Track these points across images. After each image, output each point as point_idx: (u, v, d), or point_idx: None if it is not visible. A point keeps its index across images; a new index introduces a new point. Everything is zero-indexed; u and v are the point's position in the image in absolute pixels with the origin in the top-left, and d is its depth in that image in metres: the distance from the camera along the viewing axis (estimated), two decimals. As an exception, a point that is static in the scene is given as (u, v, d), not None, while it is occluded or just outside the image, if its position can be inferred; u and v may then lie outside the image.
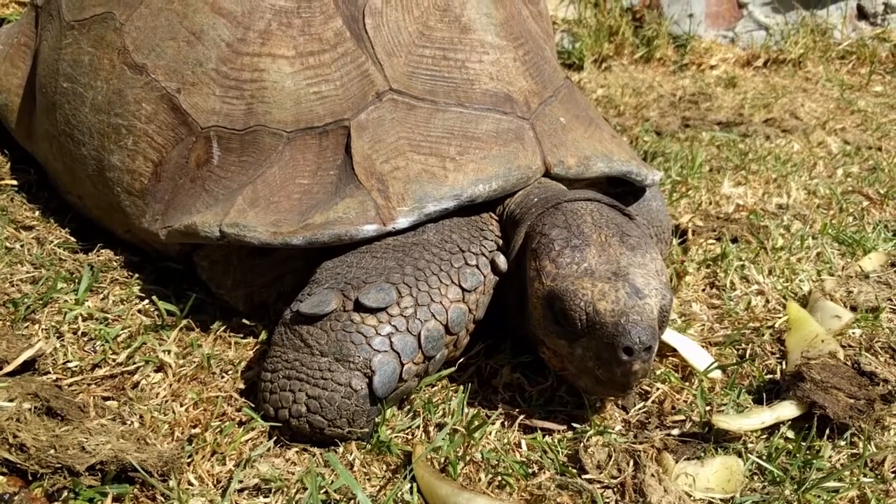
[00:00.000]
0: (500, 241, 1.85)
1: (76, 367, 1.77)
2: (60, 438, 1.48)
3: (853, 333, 2.02)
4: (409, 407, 1.73)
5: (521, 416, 1.70)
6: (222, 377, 1.80)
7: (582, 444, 1.59)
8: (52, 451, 1.44)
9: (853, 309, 2.14)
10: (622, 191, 2.25)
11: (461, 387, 1.75)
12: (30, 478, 1.44)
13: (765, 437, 1.66)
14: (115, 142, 2.03)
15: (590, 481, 1.51)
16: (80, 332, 1.88)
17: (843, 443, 1.64)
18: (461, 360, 1.86)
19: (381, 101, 1.86)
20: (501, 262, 1.78)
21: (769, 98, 4.67)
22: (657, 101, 4.56)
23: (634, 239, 1.67)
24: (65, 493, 1.42)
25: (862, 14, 5.71)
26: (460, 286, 1.72)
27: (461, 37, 1.95)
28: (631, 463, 1.54)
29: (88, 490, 1.42)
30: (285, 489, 1.48)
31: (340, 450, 1.59)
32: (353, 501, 1.44)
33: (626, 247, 1.65)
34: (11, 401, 1.55)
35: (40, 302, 1.94)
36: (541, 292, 1.64)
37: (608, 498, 1.49)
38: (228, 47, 1.91)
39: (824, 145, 3.87)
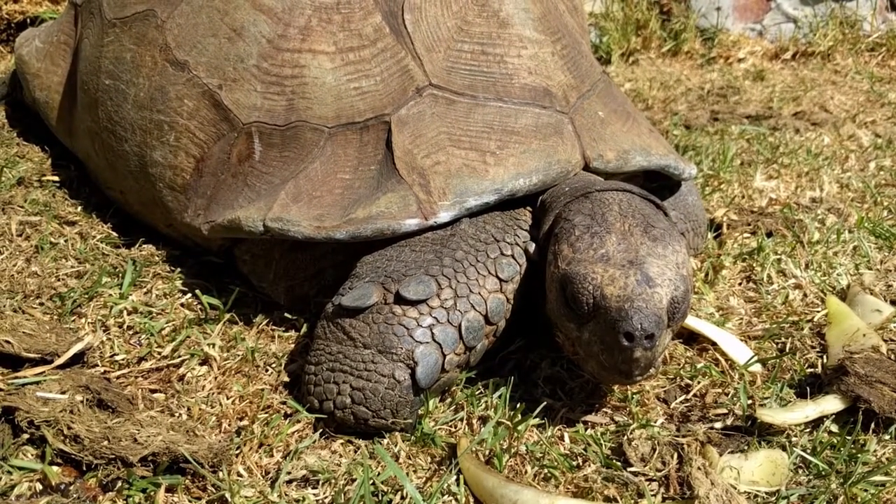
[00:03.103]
0: (533, 231, 1.86)
1: (123, 360, 1.80)
2: (113, 430, 1.51)
3: (895, 327, 2.00)
4: (451, 400, 1.74)
5: (564, 410, 1.71)
6: (266, 370, 1.82)
7: (625, 438, 1.60)
8: (105, 443, 1.48)
9: (893, 303, 2.12)
10: (658, 185, 2.25)
11: (503, 380, 1.76)
12: (84, 468, 1.47)
13: (808, 430, 1.66)
14: (157, 138, 2.05)
15: (635, 474, 1.52)
16: (125, 326, 1.91)
17: (888, 437, 1.63)
18: (501, 354, 1.87)
19: (421, 96, 1.87)
20: (531, 249, 1.79)
21: (798, 91, 4.63)
22: (685, 94, 4.53)
23: (658, 230, 1.67)
24: (118, 484, 1.45)
25: (892, 6, 5.64)
26: (497, 277, 1.74)
27: (499, 31, 1.96)
28: (675, 456, 1.54)
29: (141, 480, 1.44)
30: (333, 480, 1.50)
31: (385, 441, 1.61)
32: (400, 493, 1.46)
33: (649, 237, 1.64)
34: (64, 393, 1.58)
35: (86, 296, 1.98)
36: (556, 275, 1.65)
37: (653, 490, 1.50)
38: (269, 43, 1.93)
39: (855, 138, 3.83)
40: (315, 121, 1.89)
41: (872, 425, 1.64)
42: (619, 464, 1.55)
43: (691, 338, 1.99)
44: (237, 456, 1.54)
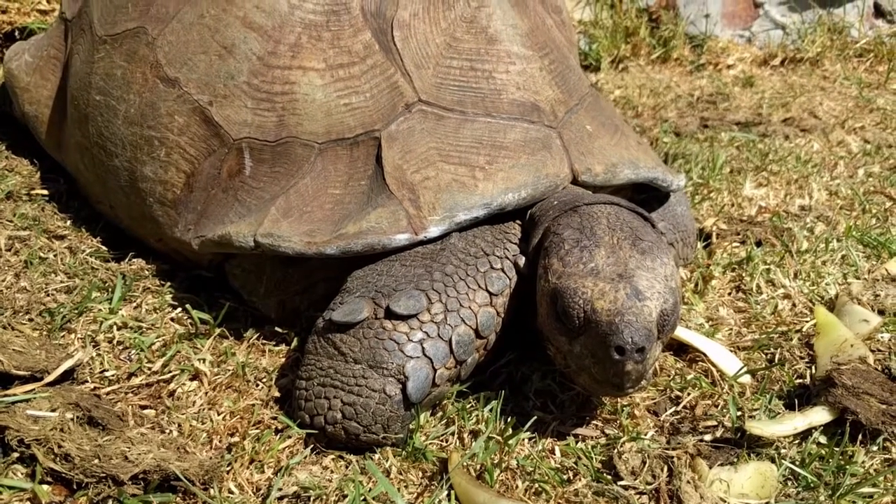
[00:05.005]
0: (523, 245, 1.87)
1: (113, 376, 1.80)
2: (103, 448, 1.50)
3: (882, 338, 2.02)
4: (442, 414, 1.75)
5: (555, 423, 1.72)
6: (257, 385, 1.82)
7: (616, 451, 1.61)
8: (95, 461, 1.47)
9: (881, 313, 2.13)
10: (647, 196, 2.27)
11: (494, 394, 1.76)
12: (74, 487, 1.47)
13: (797, 442, 1.67)
14: (147, 153, 2.06)
15: (625, 488, 1.53)
16: (115, 341, 1.91)
17: (875, 448, 1.64)
18: (492, 367, 1.88)
19: (411, 112, 1.88)
20: (521, 262, 1.80)
21: (787, 97, 4.65)
22: (675, 101, 4.55)
23: (647, 243, 1.69)
24: (109, 503, 1.45)
25: (879, 12, 5.68)
26: (487, 290, 1.75)
27: (488, 48, 1.97)
28: (665, 469, 1.55)
29: (132, 499, 1.44)
30: (324, 496, 1.50)
31: (376, 457, 1.62)
32: (391, 509, 1.46)
33: (637, 250, 1.66)
34: (54, 410, 1.58)
35: (75, 311, 1.97)
36: (546, 289, 1.67)
37: (643, 504, 1.51)
38: (259, 60, 1.93)
39: (844, 144, 3.86)
40: (305, 137, 1.90)
41: (860, 437, 1.66)
42: (609, 477, 1.56)
43: (681, 349, 2.00)
44: (228, 472, 1.54)
